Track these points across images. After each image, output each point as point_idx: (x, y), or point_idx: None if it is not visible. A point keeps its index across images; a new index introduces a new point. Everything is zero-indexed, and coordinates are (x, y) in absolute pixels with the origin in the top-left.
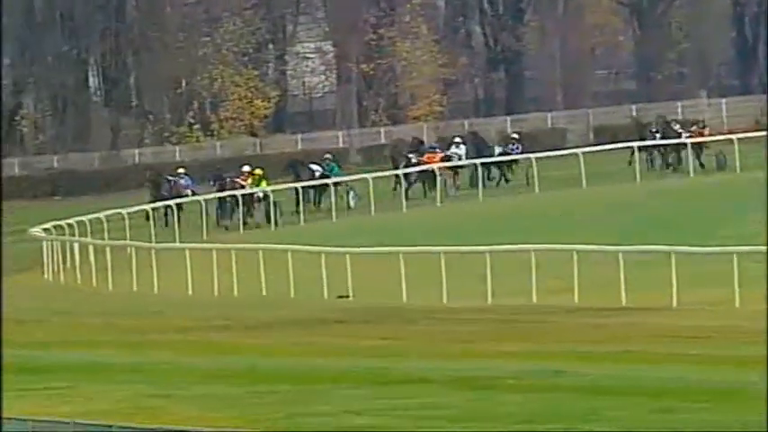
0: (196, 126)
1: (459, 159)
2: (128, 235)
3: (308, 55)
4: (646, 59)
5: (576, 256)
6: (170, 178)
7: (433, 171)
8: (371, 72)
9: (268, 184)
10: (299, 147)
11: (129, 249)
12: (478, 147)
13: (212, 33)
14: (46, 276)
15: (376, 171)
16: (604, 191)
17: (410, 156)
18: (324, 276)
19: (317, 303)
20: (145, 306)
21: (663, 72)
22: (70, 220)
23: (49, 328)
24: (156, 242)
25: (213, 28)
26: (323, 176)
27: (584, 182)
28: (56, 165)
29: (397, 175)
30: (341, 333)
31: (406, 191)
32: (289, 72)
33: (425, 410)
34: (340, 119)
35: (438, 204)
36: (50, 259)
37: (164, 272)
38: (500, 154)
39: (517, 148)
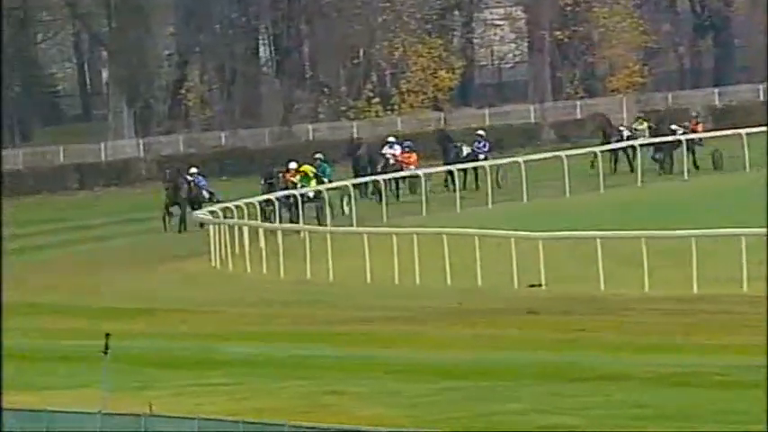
0: (375, 100)
1: (392, 159)
2: (301, 218)
3: (496, 22)
4: None
5: None
6: (189, 178)
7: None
8: (566, 40)
9: (318, 182)
10: (487, 122)
11: (302, 233)
12: (445, 147)
13: None
14: (213, 263)
15: (570, 149)
16: None
17: (387, 156)
18: (513, 263)
19: (506, 292)
20: (319, 295)
21: None
22: (239, 202)
23: (215, 319)
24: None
25: None
26: (315, 178)
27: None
28: (224, 142)
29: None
30: (532, 325)
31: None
32: (476, 40)
33: (622, 409)
34: (532, 91)
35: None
36: (218, 244)
37: (339, 258)
38: (468, 154)
39: (484, 146)
